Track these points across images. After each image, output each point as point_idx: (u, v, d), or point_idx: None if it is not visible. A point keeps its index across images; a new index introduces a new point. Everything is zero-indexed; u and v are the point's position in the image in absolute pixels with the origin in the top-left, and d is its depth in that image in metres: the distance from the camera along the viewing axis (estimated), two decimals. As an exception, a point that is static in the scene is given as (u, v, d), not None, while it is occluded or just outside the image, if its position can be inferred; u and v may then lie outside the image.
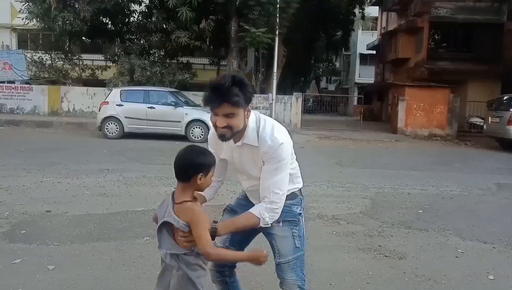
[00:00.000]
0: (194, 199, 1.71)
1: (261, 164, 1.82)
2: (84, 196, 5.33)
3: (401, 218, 4.81)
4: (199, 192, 1.81)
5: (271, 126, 1.83)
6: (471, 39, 20.06)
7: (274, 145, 1.78)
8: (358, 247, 3.81)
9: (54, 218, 4.39)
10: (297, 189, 1.99)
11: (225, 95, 1.65)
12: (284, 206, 1.85)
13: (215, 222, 1.72)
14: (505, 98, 13.06)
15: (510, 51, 18.82)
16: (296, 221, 1.95)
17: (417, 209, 5.24)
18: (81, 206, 4.88)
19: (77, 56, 18.79)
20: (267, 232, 1.94)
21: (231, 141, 1.82)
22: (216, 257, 1.73)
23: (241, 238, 2.01)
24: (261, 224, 1.79)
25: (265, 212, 1.77)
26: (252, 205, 1.89)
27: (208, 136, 1.99)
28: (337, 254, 3.67)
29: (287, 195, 1.86)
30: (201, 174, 1.65)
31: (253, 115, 1.83)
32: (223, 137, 1.77)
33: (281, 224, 1.89)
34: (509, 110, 11.91)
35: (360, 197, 5.73)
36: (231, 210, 2.08)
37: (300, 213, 1.98)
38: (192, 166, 1.64)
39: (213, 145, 1.94)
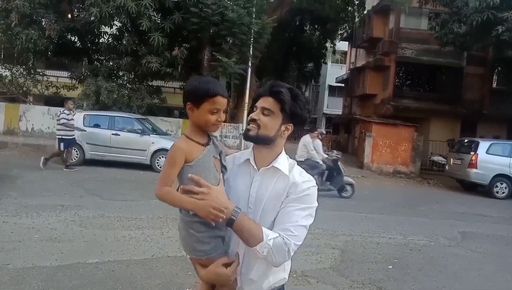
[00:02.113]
0: (202, 138, 1.49)
1: (280, 205, 1.51)
2: (32, 242, 4.82)
3: (371, 275, 4.66)
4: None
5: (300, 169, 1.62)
6: (434, 80, 21.09)
7: (309, 181, 1.55)
8: (328, 316, 3.59)
9: (-7, 272, 3.89)
10: (284, 282, 1.65)
11: (273, 91, 1.52)
12: None
13: (238, 208, 1.46)
14: (465, 141, 13.62)
15: (469, 93, 19.93)
16: None
17: (386, 263, 5.12)
18: (27, 255, 4.39)
19: (41, 72, 17.97)
20: None
21: (253, 166, 1.55)
22: (161, 196, 1.43)
23: None
24: (258, 247, 1.42)
25: (273, 239, 1.43)
26: None
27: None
28: (306, 324, 3.43)
29: None
30: (188, 103, 1.45)
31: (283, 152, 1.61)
32: (246, 133, 1.53)
33: None
34: (469, 153, 12.37)
35: (329, 247, 5.56)
36: None
37: None
38: (183, 94, 1.49)
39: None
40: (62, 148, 10.07)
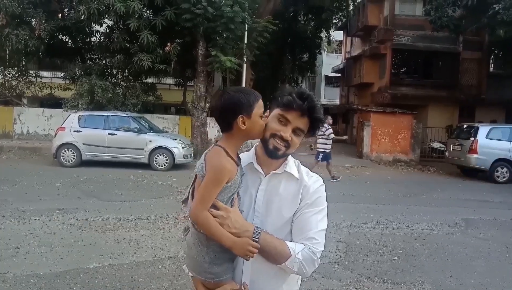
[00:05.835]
0: (236, 156, 1.41)
1: (295, 208, 1.44)
2: (30, 248, 4.72)
3: (377, 268, 4.59)
4: None
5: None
6: (431, 66, 20.95)
7: (318, 181, 1.50)
8: (336, 312, 3.52)
9: (-10, 282, 3.79)
10: None
11: (312, 108, 1.38)
12: None
13: (258, 227, 1.39)
14: (465, 126, 13.54)
15: (466, 78, 19.83)
16: None
17: (392, 255, 5.05)
18: (25, 262, 4.29)
19: (34, 74, 17.72)
20: None
21: (259, 170, 1.45)
22: (200, 220, 1.33)
23: None
24: (288, 263, 1.37)
25: (300, 252, 1.38)
26: None
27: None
28: (314, 322, 3.35)
29: None
30: (240, 116, 1.35)
31: None
32: (275, 153, 1.40)
33: None
34: (469, 139, 12.30)
35: (333, 240, 5.48)
36: None
37: None
38: (226, 111, 1.36)
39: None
40: (319, 159, 10.78)
